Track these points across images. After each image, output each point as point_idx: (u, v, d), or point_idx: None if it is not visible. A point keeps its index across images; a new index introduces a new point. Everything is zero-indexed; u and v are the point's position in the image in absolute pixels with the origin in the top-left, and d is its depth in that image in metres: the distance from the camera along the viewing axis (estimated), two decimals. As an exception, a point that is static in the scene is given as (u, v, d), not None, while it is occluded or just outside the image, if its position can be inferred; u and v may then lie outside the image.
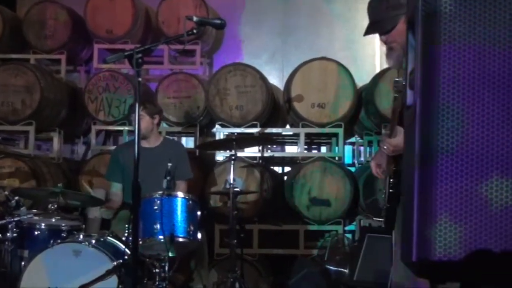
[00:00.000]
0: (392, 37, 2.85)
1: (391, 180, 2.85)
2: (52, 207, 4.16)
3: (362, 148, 7.12)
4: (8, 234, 4.06)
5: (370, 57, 7.55)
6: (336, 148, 6.20)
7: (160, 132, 5.09)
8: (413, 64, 2.12)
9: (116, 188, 4.78)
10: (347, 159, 7.29)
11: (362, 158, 6.96)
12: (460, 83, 1.95)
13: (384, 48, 3.00)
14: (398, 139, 2.67)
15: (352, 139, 7.23)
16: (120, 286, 3.68)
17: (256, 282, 5.60)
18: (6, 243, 4.08)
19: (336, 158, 6.07)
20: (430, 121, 1.97)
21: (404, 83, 2.42)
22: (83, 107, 6.38)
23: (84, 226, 4.20)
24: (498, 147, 1.95)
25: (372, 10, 2.90)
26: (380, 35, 2.92)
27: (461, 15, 1.96)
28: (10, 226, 4.06)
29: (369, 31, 2.93)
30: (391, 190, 2.83)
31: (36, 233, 4.14)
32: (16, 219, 4.08)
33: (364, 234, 5.18)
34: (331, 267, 5.29)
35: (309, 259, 5.75)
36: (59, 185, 4.25)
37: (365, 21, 2.94)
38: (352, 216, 6.47)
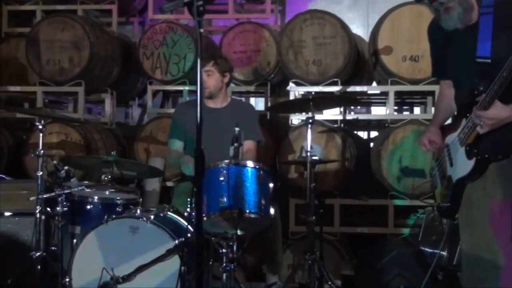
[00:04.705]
0: None
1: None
2: (106, 178, 4.26)
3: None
4: (58, 208, 4.20)
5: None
6: (432, 108, 6.06)
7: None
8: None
9: (177, 147, 4.75)
10: (445, 122, 7.15)
11: (463, 121, 6.80)
12: None
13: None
14: (494, 110, 2.91)
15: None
16: (182, 267, 3.73)
17: (337, 264, 5.60)
18: (56, 218, 4.22)
19: (432, 121, 5.95)
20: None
21: None
22: (137, 65, 6.46)
23: (141, 199, 4.28)
24: None
25: None
26: None
27: None
28: (60, 199, 4.20)
29: None
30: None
31: (88, 207, 4.26)
32: (66, 191, 4.21)
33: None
34: (426, 249, 5.22)
35: (400, 239, 5.71)
36: (112, 153, 4.32)
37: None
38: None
